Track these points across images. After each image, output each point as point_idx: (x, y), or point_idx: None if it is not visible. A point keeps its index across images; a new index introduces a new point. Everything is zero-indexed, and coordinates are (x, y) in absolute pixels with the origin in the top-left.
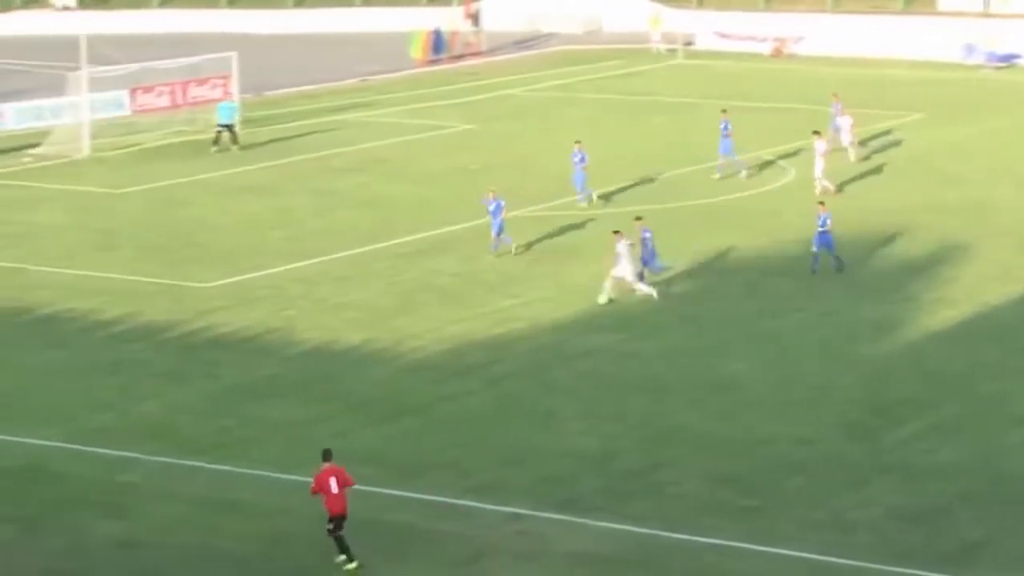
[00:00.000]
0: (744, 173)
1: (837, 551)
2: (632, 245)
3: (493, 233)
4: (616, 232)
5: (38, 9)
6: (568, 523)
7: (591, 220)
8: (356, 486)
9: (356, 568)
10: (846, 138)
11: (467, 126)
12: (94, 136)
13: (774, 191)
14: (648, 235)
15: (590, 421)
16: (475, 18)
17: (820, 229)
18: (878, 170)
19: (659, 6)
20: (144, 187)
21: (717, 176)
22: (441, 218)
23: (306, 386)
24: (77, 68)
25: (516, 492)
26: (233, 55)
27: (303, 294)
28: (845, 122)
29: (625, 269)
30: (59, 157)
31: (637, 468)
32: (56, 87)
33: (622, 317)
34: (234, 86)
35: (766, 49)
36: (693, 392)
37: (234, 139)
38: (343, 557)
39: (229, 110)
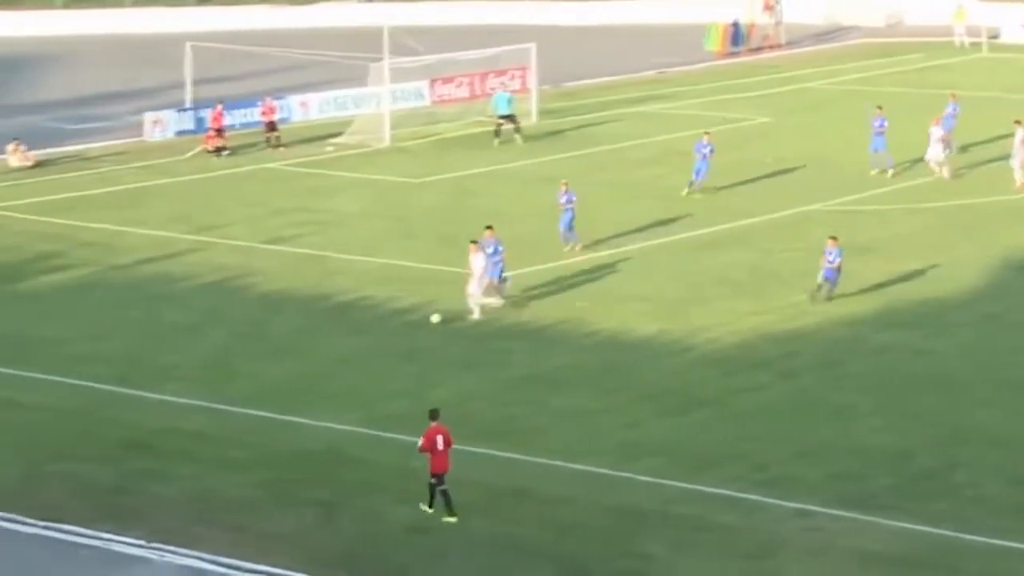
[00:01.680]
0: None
1: None
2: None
3: (561, 226)
4: (474, 242)
5: (342, 1)
6: (858, 521)
7: (891, 216)
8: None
9: (431, 512)
10: (933, 151)
11: (763, 119)
12: (394, 126)
13: None
14: (493, 247)
15: (884, 418)
16: (774, 11)
17: (829, 264)
18: None
19: None
20: (442, 176)
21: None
22: (736, 211)
23: (597, 376)
24: (379, 59)
25: (806, 488)
26: (532, 46)
27: (596, 284)
28: (936, 132)
29: (479, 280)
30: (360, 146)
31: (931, 467)
32: (359, 78)
33: (918, 313)
34: (532, 77)
35: None
36: (990, 391)
37: (517, 130)
38: (447, 513)
39: (506, 101)
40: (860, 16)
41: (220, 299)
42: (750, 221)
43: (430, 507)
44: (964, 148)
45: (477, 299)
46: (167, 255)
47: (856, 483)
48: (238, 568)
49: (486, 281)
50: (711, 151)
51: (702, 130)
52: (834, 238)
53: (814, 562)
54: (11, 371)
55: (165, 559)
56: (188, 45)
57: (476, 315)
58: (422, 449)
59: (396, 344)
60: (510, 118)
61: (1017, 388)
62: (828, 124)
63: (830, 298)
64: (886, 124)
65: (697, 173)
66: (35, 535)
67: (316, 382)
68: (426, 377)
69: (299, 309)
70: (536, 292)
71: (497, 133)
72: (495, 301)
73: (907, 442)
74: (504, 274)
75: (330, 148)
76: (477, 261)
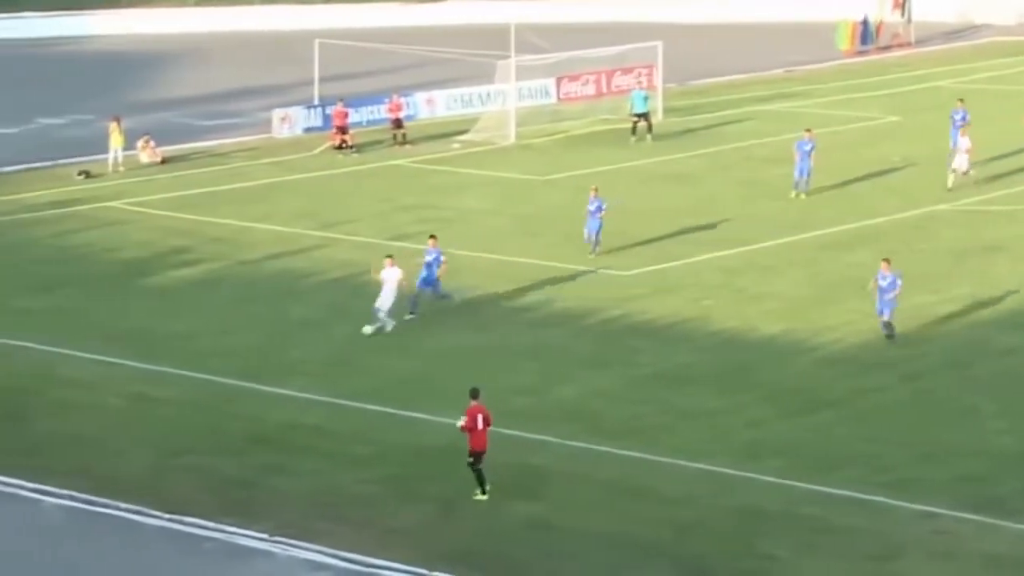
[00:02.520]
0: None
1: None
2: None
3: (589, 232)
4: (389, 256)
5: None
6: (986, 524)
7: (1017, 216)
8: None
9: (486, 499)
10: (959, 161)
11: (892, 118)
12: (520, 123)
13: None
14: (434, 256)
15: (1011, 420)
16: (904, 8)
17: (882, 290)
18: None
19: None
20: (568, 174)
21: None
22: (863, 210)
23: (722, 375)
24: (506, 57)
25: (932, 490)
26: (658, 44)
27: (722, 283)
28: (964, 143)
29: (386, 299)
30: (486, 144)
31: None
32: (485, 75)
33: None
34: (658, 76)
35: None
36: None
37: (649, 128)
38: (479, 491)
39: (642, 99)
40: (993, 14)
41: (345, 295)
42: (877, 220)
43: (484, 493)
44: None
45: (382, 314)
46: (294, 251)
47: (983, 486)
48: (359, 563)
49: (393, 297)
50: (812, 148)
51: (828, 128)
52: (887, 260)
53: (941, 565)
54: (142, 365)
55: (288, 553)
56: (316, 42)
57: (370, 330)
58: (465, 428)
59: (520, 341)
60: (644, 116)
61: None
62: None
63: (891, 335)
64: (968, 118)
65: (800, 172)
66: (161, 527)
67: (439, 378)
68: (550, 374)
69: (423, 306)
70: (663, 290)
71: (634, 131)
72: (388, 324)
73: None
74: (446, 291)
75: (456, 145)
76: (390, 274)
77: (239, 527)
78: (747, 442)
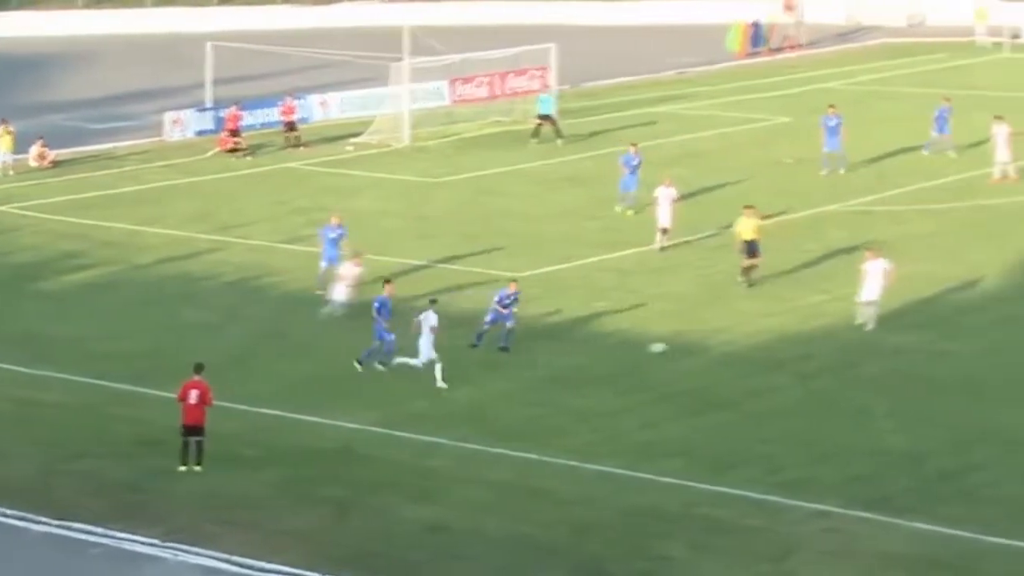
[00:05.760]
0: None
1: None
2: None
3: (323, 264)
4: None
5: (363, 1)
6: (878, 522)
7: (906, 217)
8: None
9: (187, 471)
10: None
11: (783, 119)
12: (414, 125)
13: None
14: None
15: (901, 420)
16: (795, 11)
17: (496, 307)
18: None
19: None
20: (462, 176)
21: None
22: None
23: (615, 377)
24: (399, 59)
25: (825, 489)
26: (552, 46)
27: (615, 285)
28: (666, 194)
29: None
30: (380, 146)
31: (949, 469)
32: (379, 77)
33: (934, 316)
34: (552, 77)
35: None
36: (1010, 392)
37: (557, 132)
38: (180, 463)
39: (549, 101)
40: (881, 16)
41: (239, 298)
42: (767, 222)
43: (183, 464)
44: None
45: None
46: (187, 255)
47: (874, 485)
48: (251, 567)
49: None
50: (639, 163)
51: (719, 130)
52: (514, 280)
53: (834, 563)
54: (30, 370)
55: (179, 558)
56: (209, 45)
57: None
58: (178, 399)
59: (415, 343)
60: (548, 118)
61: None
62: (847, 125)
63: (503, 347)
64: (841, 121)
65: (626, 187)
66: (47, 533)
67: (334, 381)
68: (447, 377)
69: (318, 309)
70: (556, 291)
71: (536, 133)
72: None
73: (924, 444)
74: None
75: (350, 148)
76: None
77: (128, 531)
78: (642, 443)
